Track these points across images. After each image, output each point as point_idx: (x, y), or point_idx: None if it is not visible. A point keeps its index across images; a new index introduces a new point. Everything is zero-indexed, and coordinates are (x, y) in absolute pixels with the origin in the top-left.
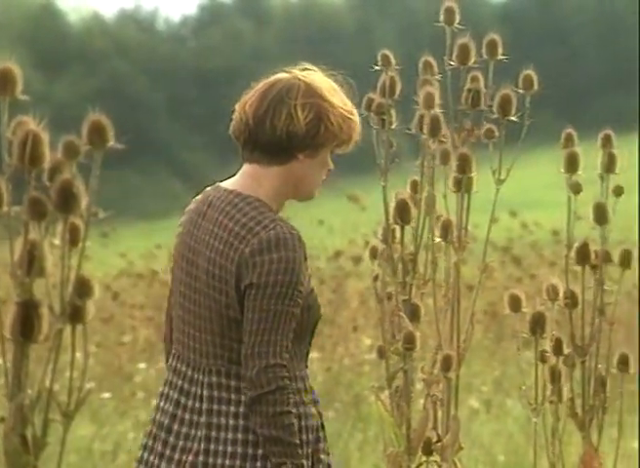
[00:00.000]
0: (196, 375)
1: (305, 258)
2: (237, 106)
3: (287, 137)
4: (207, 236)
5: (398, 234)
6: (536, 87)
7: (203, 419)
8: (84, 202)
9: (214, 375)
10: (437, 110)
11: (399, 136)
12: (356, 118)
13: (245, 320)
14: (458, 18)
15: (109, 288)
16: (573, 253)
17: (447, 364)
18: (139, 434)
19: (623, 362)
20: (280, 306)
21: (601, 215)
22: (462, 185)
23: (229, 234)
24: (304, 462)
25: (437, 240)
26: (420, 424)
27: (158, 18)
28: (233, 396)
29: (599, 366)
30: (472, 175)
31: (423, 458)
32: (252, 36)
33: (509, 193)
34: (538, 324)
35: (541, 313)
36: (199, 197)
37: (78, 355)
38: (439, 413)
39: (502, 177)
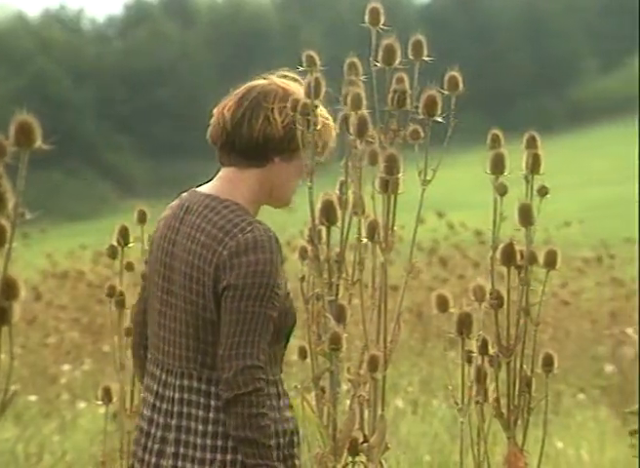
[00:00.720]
0: (169, 379)
1: (282, 262)
2: (215, 111)
3: (264, 140)
4: (185, 240)
5: (324, 234)
6: (461, 88)
7: (174, 422)
8: (11, 203)
9: (185, 379)
10: (364, 111)
11: None
12: (332, 125)
13: (222, 322)
14: (383, 18)
15: (34, 289)
16: (498, 254)
17: (373, 364)
18: (64, 436)
19: (548, 362)
20: (257, 308)
21: (526, 216)
22: (389, 186)
23: (208, 237)
24: (278, 465)
25: (364, 240)
26: (346, 425)
27: (83, 18)
28: (203, 400)
29: (524, 366)
30: (399, 175)
31: (350, 459)
32: (178, 36)
33: (436, 194)
34: (464, 324)
35: (468, 313)
36: (174, 203)
37: (3, 357)
38: (365, 414)
39: (428, 178)
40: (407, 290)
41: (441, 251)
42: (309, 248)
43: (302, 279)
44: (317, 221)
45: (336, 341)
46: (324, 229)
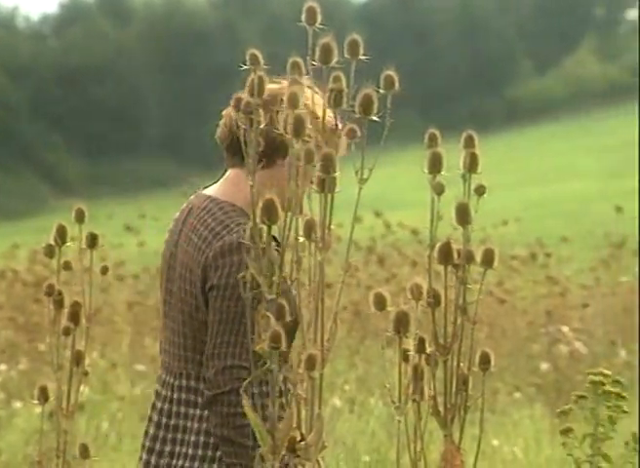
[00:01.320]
0: (169, 379)
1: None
2: (224, 112)
3: (266, 142)
4: (184, 242)
5: (265, 234)
6: (397, 87)
7: (172, 422)
8: None
9: (184, 379)
10: (301, 110)
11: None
12: (340, 132)
13: (208, 322)
14: (320, 18)
15: None
16: (435, 253)
17: (311, 363)
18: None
19: (485, 360)
20: (240, 308)
21: (463, 215)
22: (326, 185)
23: (199, 238)
24: (254, 465)
25: (301, 239)
26: (284, 423)
27: (17, 15)
28: (200, 399)
29: (461, 364)
30: (336, 174)
31: (287, 457)
32: (114, 35)
33: (373, 193)
34: (401, 323)
35: (405, 312)
36: (184, 205)
37: None
38: (303, 412)
39: (365, 177)
40: (344, 288)
41: (378, 249)
42: (251, 246)
43: (243, 277)
44: (258, 220)
45: (276, 340)
46: (265, 228)
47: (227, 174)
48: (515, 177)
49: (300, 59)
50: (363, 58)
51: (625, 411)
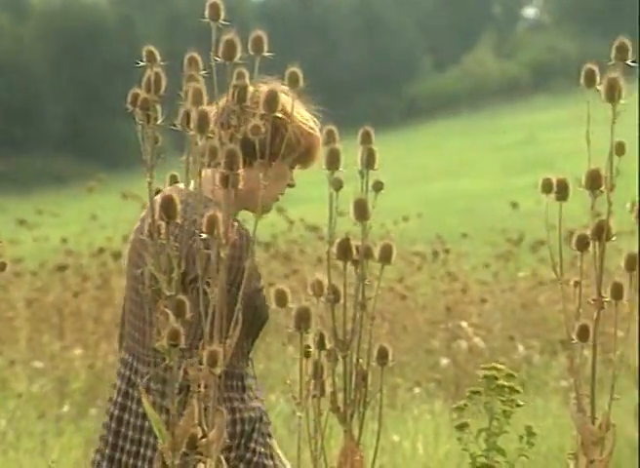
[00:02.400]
0: (140, 367)
1: (250, 257)
2: None
3: (242, 145)
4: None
5: (164, 229)
6: (301, 83)
7: (141, 410)
8: None
9: (152, 367)
10: (205, 106)
11: (165, 132)
12: (317, 136)
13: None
14: (222, 13)
15: None
16: (334, 249)
17: (213, 359)
18: None
19: (383, 355)
20: None
21: (361, 211)
22: (229, 181)
23: (179, 229)
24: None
25: (203, 236)
26: (185, 420)
27: None
28: None
29: (360, 360)
30: (239, 171)
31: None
32: (12, 30)
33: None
34: (302, 319)
35: (306, 308)
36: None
37: None
38: (204, 409)
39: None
40: None
41: (280, 246)
42: (149, 243)
43: (142, 274)
44: (157, 217)
45: (174, 337)
46: (164, 225)
47: (204, 172)
48: (414, 174)
49: (197, 55)
50: (267, 54)
51: (520, 405)
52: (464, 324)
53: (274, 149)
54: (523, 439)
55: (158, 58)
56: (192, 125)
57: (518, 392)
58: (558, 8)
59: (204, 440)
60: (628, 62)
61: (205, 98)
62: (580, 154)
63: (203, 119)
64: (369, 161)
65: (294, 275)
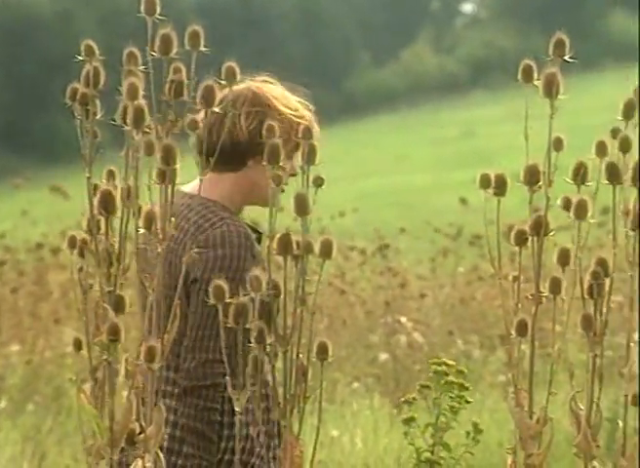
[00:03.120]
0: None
1: (254, 256)
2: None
3: (231, 145)
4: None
5: (103, 225)
6: (238, 78)
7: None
8: None
9: (163, 370)
10: (141, 101)
11: (104, 126)
12: (309, 123)
13: (189, 314)
14: (159, 8)
15: None
16: (275, 244)
17: (151, 355)
18: None
19: (322, 350)
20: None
21: (301, 206)
22: (166, 177)
23: (184, 234)
24: (214, 461)
25: (141, 231)
26: (123, 416)
27: None
28: (176, 391)
29: (300, 355)
30: (176, 166)
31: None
32: None
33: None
34: (241, 314)
35: (245, 304)
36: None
37: None
38: (142, 405)
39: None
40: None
41: None
42: (88, 238)
43: (80, 270)
44: (95, 212)
45: (114, 332)
46: (102, 220)
47: (205, 176)
48: (353, 169)
49: (136, 50)
50: (204, 49)
51: (469, 402)
52: (404, 319)
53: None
54: (469, 435)
55: (97, 52)
56: (128, 120)
57: (467, 389)
58: (496, 4)
59: (142, 435)
60: (566, 58)
61: (141, 93)
62: (518, 149)
63: (139, 114)
64: (310, 156)
65: None
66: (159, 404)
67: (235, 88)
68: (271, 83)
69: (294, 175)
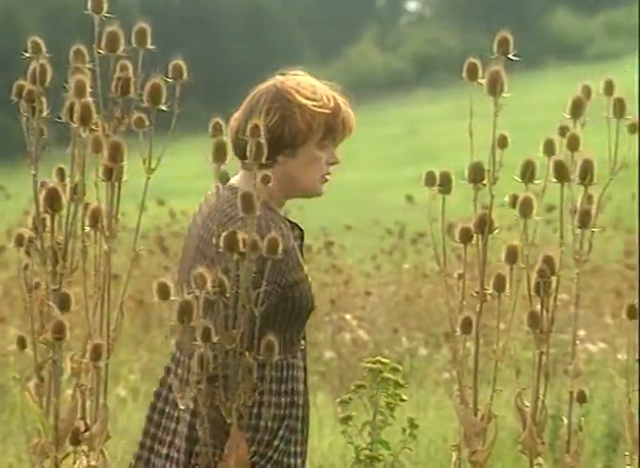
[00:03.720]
0: (182, 358)
1: (286, 251)
2: (232, 118)
3: (263, 143)
4: (199, 229)
5: (48, 223)
6: (185, 76)
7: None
8: None
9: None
10: (88, 98)
11: (50, 124)
12: (330, 109)
13: None
14: (106, 6)
15: None
16: (222, 242)
17: (96, 353)
18: None
19: (269, 348)
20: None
21: (248, 204)
22: (113, 174)
23: (216, 224)
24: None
25: (87, 229)
26: (68, 414)
27: None
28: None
29: (247, 353)
30: (123, 163)
31: (71, 448)
32: None
33: (158, 182)
34: (185, 312)
35: (189, 301)
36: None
37: None
38: (87, 403)
39: (153, 167)
40: (129, 278)
41: (163, 238)
42: (33, 236)
43: (26, 267)
44: (41, 209)
45: (59, 330)
46: (48, 217)
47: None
48: None
49: (83, 48)
50: (150, 47)
51: (404, 400)
52: (348, 316)
53: (287, 139)
54: (406, 431)
55: (44, 49)
56: (75, 117)
57: (402, 386)
58: (440, 2)
59: (87, 433)
60: (510, 56)
61: (88, 91)
62: (463, 147)
63: (86, 111)
64: (257, 154)
65: (176, 268)
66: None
67: (262, 85)
68: (300, 75)
69: (335, 163)
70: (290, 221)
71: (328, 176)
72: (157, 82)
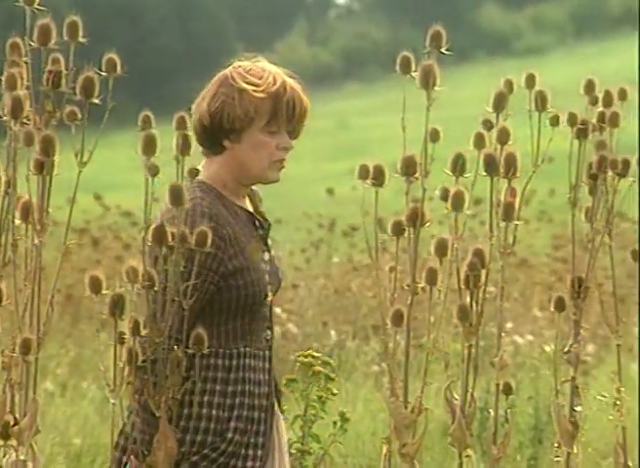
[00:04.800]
0: None
1: (220, 238)
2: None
3: (200, 130)
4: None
5: None
6: (119, 70)
7: None
8: None
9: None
10: (20, 92)
11: None
12: (278, 94)
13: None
14: None
15: None
16: (149, 235)
17: (26, 347)
18: None
19: (199, 342)
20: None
21: (176, 197)
22: (45, 167)
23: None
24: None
25: (17, 222)
26: None
27: None
28: None
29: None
30: (55, 157)
31: (0, 442)
32: None
33: (89, 175)
34: (117, 305)
35: (120, 295)
36: None
37: None
38: (16, 397)
39: (85, 160)
40: (60, 271)
41: (93, 232)
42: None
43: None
44: None
45: None
46: None
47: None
48: None
49: (19, 40)
50: (82, 40)
51: (335, 394)
52: (278, 309)
53: (228, 125)
54: (337, 424)
55: None
56: (6, 110)
57: (333, 380)
58: None
59: (16, 428)
60: (443, 50)
61: (21, 84)
62: (391, 141)
63: (17, 104)
64: (184, 147)
65: (109, 261)
66: None
67: (219, 73)
68: (260, 61)
69: (287, 148)
70: (247, 211)
71: (283, 163)
72: (90, 75)
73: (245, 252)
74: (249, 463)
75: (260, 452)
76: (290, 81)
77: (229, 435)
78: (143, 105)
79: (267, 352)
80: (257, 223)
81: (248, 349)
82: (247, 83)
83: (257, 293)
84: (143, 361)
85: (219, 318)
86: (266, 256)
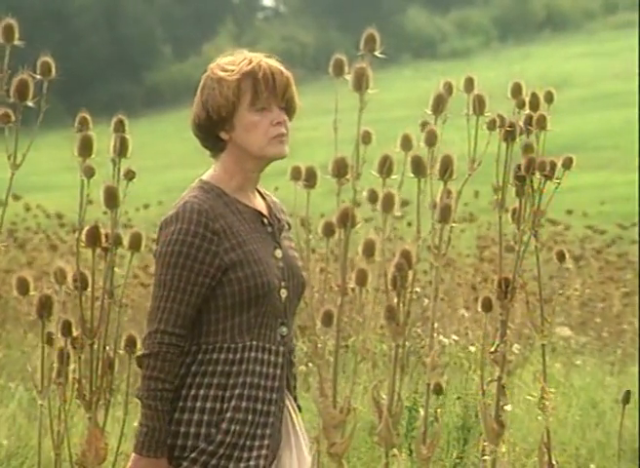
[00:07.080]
0: None
1: (214, 233)
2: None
3: (197, 131)
4: None
5: None
6: (54, 73)
7: None
8: None
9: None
10: None
11: None
12: (253, 70)
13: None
14: None
15: None
16: (83, 236)
17: None
18: None
19: (131, 343)
20: (170, 275)
21: (111, 198)
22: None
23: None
24: (160, 427)
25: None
26: None
27: None
28: None
29: (107, 347)
30: None
31: None
32: None
33: (15, 177)
34: (45, 306)
35: (49, 296)
36: None
37: None
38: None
39: (18, 162)
40: None
41: (18, 233)
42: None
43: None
44: None
45: None
46: None
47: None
48: (156, 162)
49: None
50: (18, 42)
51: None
52: None
53: (215, 115)
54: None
55: None
56: None
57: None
58: None
59: None
60: (376, 53)
61: None
62: (318, 143)
63: None
64: (122, 149)
65: (33, 262)
66: None
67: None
68: (237, 52)
69: (280, 122)
70: (254, 209)
71: (283, 137)
72: (25, 78)
73: (245, 245)
74: (242, 465)
75: (264, 451)
76: (266, 59)
77: (224, 425)
78: (69, 106)
79: (282, 348)
80: (265, 221)
81: (254, 343)
82: (222, 71)
83: (260, 286)
84: (143, 355)
85: (224, 312)
86: (278, 254)
